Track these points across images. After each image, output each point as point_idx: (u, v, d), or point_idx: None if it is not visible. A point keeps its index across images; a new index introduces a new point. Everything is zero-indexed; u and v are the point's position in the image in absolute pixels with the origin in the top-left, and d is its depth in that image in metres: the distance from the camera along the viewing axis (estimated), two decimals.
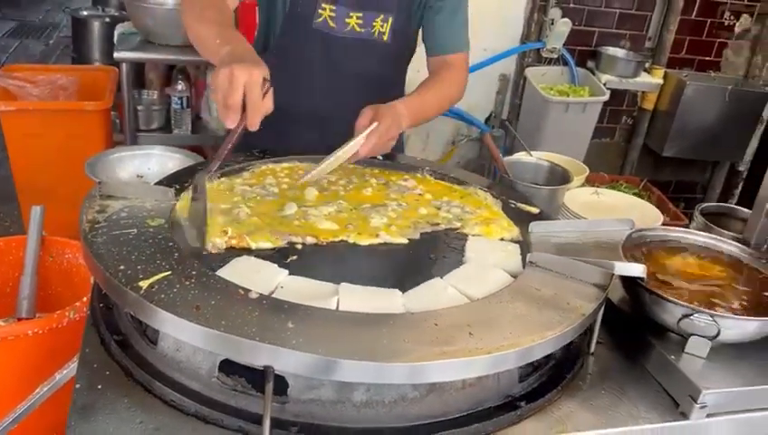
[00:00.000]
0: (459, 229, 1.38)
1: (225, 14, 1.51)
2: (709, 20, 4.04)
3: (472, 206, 1.49)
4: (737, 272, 1.37)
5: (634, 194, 3.02)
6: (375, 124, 1.45)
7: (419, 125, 1.79)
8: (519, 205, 1.51)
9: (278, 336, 0.90)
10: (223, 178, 1.46)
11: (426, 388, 1.01)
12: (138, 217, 1.19)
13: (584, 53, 3.94)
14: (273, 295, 1.04)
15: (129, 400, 0.99)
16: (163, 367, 1.04)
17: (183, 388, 1.01)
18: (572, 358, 1.21)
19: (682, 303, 1.17)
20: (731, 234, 1.55)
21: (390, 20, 1.73)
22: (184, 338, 0.96)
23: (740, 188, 4.34)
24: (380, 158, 1.63)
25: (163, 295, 0.96)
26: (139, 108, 3.37)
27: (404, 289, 1.12)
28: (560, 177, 1.79)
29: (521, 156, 1.95)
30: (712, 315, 1.15)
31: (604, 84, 3.76)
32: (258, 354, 0.90)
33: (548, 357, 1.13)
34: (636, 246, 1.37)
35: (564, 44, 3.78)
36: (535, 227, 1.36)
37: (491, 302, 1.09)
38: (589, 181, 2.38)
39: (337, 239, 1.28)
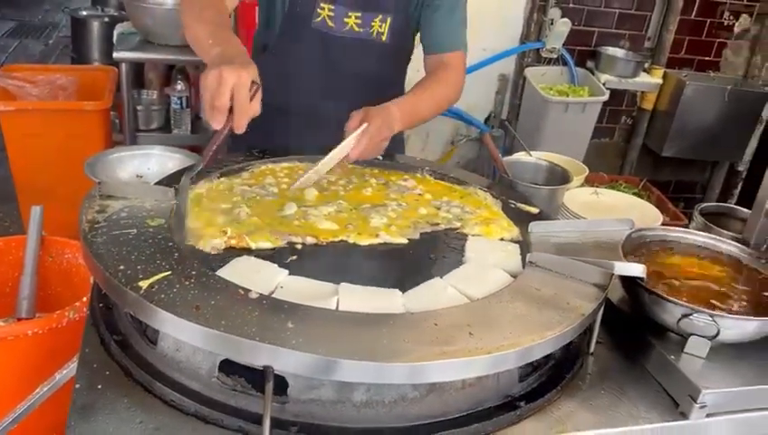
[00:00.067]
0: (459, 229, 1.38)
1: (222, 14, 1.50)
2: (708, 20, 4.04)
3: (472, 206, 1.49)
4: (737, 272, 1.37)
5: (633, 194, 3.02)
6: (365, 126, 1.43)
7: (414, 126, 1.76)
8: (519, 205, 1.51)
9: (278, 336, 0.90)
10: (222, 179, 1.46)
11: (426, 388, 1.01)
12: (137, 217, 1.19)
13: (584, 52, 3.94)
14: (273, 295, 1.04)
15: (128, 400, 0.99)
16: (163, 367, 1.04)
17: (183, 388, 1.01)
18: (572, 358, 1.21)
19: (682, 303, 1.17)
20: (730, 234, 1.55)
21: (389, 20, 1.73)
22: (184, 338, 0.96)
23: (739, 187, 4.34)
24: (380, 158, 1.63)
25: (163, 295, 0.96)
26: (139, 108, 3.38)
27: (404, 289, 1.12)
28: (559, 177, 1.79)
29: (520, 156, 1.95)
30: (711, 315, 1.15)
31: (603, 84, 3.76)
32: (258, 354, 0.90)
33: (548, 357, 1.13)
34: (635, 246, 1.37)
35: (564, 44, 3.78)
36: (535, 227, 1.36)
37: (491, 302, 1.09)
38: (588, 181, 2.38)
39: (337, 239, 1.28)
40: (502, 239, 1.36)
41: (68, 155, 2.63)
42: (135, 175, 1.93)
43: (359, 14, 1.71)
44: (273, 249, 1.21)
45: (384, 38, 1.74)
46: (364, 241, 1.29)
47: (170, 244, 1.11)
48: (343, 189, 1.50)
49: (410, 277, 1.16)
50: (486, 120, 4.05)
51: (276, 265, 1.14)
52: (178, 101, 3.36)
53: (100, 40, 3.82)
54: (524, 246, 1.33)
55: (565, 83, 3.87)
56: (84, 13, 4.04)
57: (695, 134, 3.96)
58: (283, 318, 0.95)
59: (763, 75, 4.17)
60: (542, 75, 3.82)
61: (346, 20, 1.71)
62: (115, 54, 3.11)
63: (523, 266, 1.25)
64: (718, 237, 1.45)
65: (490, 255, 1.29)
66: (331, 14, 1.70)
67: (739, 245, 1.43)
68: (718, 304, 1.23)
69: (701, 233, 1.47)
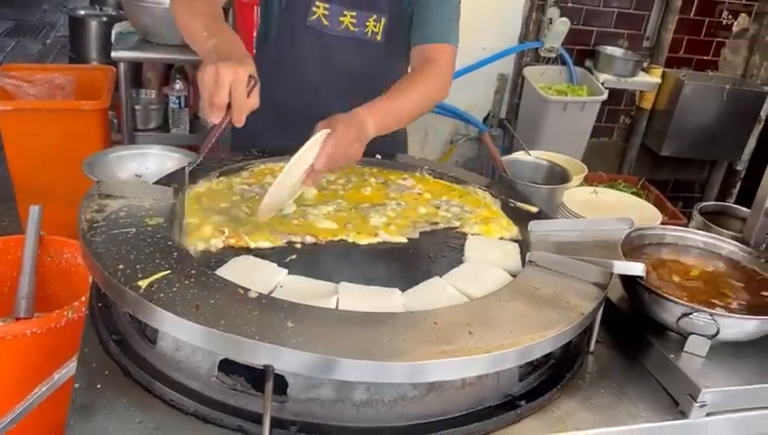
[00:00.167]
0: (458, 228, 1.38)
1: (213, 4, 1.50)
2: (707, 19, 4.05)
3: (471, 205, 1.49)
4: (736, 271, 1.37)
5: (632, 193, 3.02)
6: (324, 131, 1.31)
7: (396, 128, 1.60)
8: (518, 204, 1.51)
9: (278, 335, 0.90)
10: (221, 178, 1.45)
11: (425, 387, 1.00)
12: (136, 216, 1.19)
13: (582, 52, 3.94)
14: (273, 295, 1.04)
15: (128, 399, 0.99)
16: (162, 366, 1.04)
17: (182, 387, 1.01)
18: (572, 357, 1.21)
19: (681, 301, 1.17)
20: (730, 233, 1.55)
21: (383, 20, 1.72)
22: (183, 337, 0.96)
23: (738, 187, 4.35)
24: (379, 157, 1.63)
25: (162, 295, 0.96)
26: (137, 107, 3.37)
27: (403, 288, 1.12)
28: (558, 176, 1.78)
29: (519, 155, 1.95)
30: (711, 314, 1.15)
31: (602, 84, 3.76)
32: (258, 354, 0.90)
33: (547, 356, 1.13)
34: (635, 246, 1.37)
35: (562, 44, 3.78)
36: (534, 226, 1.36)
37: (490, 301, 1.09)
38: (587, 180, 2.38)
39: (336, 238, 1.28)
40: (501, 238, 1.36)
41: (66, 154, 2.62)
42: (134, 174, 1.93)
43: (354, 14, 1.71)
44: (273, 248, 1.21)
45: (379, 38, 1.74)
46: (363, 240, 1.29)
47: (169, 243, 1.11)
48: (342, 189, 1.49)
49: (410, 276, 1.16)
50: (485, 119, 4.05)
51: (276, 265, 1.14)
52: (177, 101, 3.35)
53: (98, 39, 3.81)
54: (524, 245, 1.33)
55: (564, 83, 3.87)
56: (82, 12, 4.03)
57: (693, 133, 3.97)
58: (282, 317, 0.95)
59: (762, 75, 4.17)
60: (540, 75, 3.82)
61: (341, 19, 1.71)
62: (113, 54, 3.10)
63: (523, 265, 1.25)
64: (718, 237, 1.45)
65: (489, 254, 1.29)
66: (326, 12, 1.70)
67: (738, 244, 1.43)
68: (718, 302, 1.23)
69: (700, 232, 1.47)
